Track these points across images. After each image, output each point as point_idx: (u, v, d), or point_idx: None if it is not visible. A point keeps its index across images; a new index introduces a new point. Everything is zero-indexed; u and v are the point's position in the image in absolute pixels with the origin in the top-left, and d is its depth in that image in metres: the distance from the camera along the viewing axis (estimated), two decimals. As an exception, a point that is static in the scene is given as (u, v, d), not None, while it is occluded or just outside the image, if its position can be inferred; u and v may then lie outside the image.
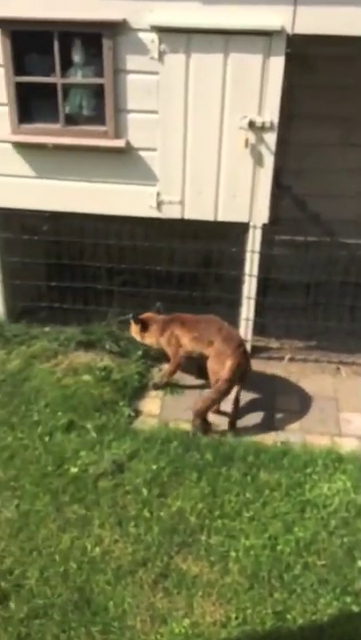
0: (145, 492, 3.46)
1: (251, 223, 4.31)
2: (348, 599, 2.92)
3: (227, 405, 4.04)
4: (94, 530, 3.23)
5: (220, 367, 3.92)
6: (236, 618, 2.84)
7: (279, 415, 4.19)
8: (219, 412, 4.08)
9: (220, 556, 3.11)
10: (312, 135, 4.95)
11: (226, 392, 3.92)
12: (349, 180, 5.24)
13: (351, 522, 3.32)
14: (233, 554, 3.13)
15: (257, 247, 4.38)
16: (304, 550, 3.15)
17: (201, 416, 3.91)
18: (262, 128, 3.98)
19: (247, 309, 4.60)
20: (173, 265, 4.62)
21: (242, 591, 2.95)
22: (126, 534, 3.21)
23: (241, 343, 4.06)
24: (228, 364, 3.87)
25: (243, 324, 4.65)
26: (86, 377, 4.34)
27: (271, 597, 2.93)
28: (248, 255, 4.42)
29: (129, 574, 3.01)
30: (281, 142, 4.61)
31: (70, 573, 3.02)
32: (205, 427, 3.94)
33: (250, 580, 3.00)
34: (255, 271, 4.46)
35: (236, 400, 4.02)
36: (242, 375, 3.96)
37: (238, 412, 4.06)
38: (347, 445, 3.92)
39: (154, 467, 3.63)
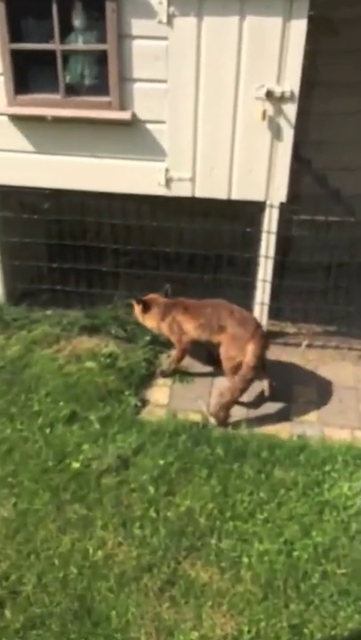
0: (151, 490, 3.24)
1: (267, 202, 4.02)
2: (371, 612, 2.70)
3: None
4: (97, 531, 3.02)
5: (239, 353, 3.69)
6: (249, 631, 2.62)
7: (295, 406, 3.93)
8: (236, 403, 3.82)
9: (232, 562, 2.89)
10: (334, 104, 4.61)
11: (252, 380, 3.70)
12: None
13: (374, 525, 3.08)
14: (245, 560, 2.90)
15: (274, 228, 4.09)
16: (323, 557, 2.92)
17: (229, 408, 3.69)
18: (281, 98, 3.66)
19: (262, 293, 4.33)
20: (183, 246, 4.35)
21: (255, 601, 2.73)
22: (131, 536, 3.00)
23: (259, 325, 3.83)
24: (251, 348, 3.64)
25: (257, 308, 4.38)
26: (90, 364, 4.11)
27: (287, 609, 2.71)
28: (264, 236, 4.14)
29: (133, 581, 2.80)
30: (301, 113, 4.31)
31: (70, 579, 2.81)
32: (227, 419, 3.71)
33: (264, 590, 2.77)
34: (271, 253, 4.17)
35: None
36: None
37: (253, 401, 3.85)
38: (368, 440, 3.67)
39: (161, 462, 3.41)
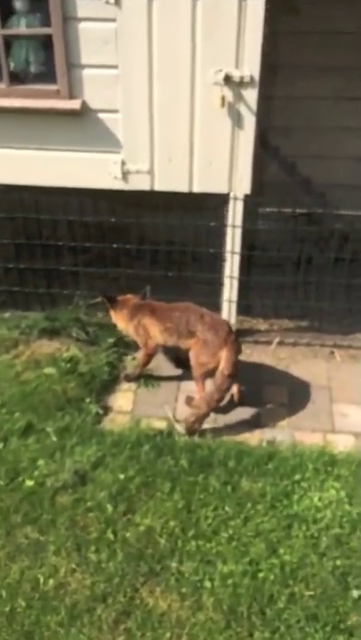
0: (109, 508, 3.04)
1: (231, 194, 3.79)
2: (341, 638, 2.52)
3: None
4: (49, 557, 2.81)
5: (211, 359, 3.49)
6: (210, 665, 2.45)
7: (266, 409, 3.74)
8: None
9: (193, 588, 2.70)
10: (301, 89, 4.38)
11: (228, 389, 3.52)
12: (344, 140, 4.67)
13: (345, 540, 2.90)
14: (208, 584, 2.71)
15: (238, 221, 3.87)
16: (290, 577, 2.74)
17: (203, 421, 3.49)
18: (241, 83, 3.42)
19: (230, 290, 4.11)
20: (145, 242, 4.11)
21: (216, 631, 2.54)
22: (85, 562, 2.79)
23: (231, 330, 3.60)
24: (224, 355, 3.44)
25: (225, 305, 4.17)
26: (49, 370, 3.89)
27: (251, 638, 2.52)
28: (229, 230, 3.91)
29: (86, 613, 2.60)
30: (265, 98, 4.08)
31: (18, 613, 2.60)
32: (198, 429, 3.52)
33: (226, 617, 2.59)
34: (238, 248, 3.95)
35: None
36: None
37: (221, 406, 3.63)
38: (341, 444, 3.48)
39: (121, 476, 3.21)
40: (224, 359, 3.43)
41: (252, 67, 3.37)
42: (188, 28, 3.30)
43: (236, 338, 3.59)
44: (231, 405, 3.71)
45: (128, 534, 2.92)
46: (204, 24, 3.27)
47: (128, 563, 2.78)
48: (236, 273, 4.04)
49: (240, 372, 3.67)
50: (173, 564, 2.78)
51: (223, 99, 3.44)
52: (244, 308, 4.26)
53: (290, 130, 4.60)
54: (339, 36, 4.24)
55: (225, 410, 3.68)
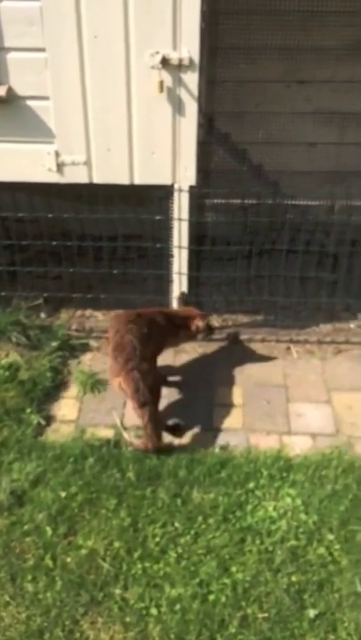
0: (49, 531, 2.81)
1: (175, 186, 3.55)
2: (296, 664, 2.36)
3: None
4: (-19, 590, 2.58)
5: (112, 381, 3.30)
6: None
7: (219, 411, 3.54)
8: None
9: (138, 616, 2.50)
10: (250, 72, 4.14)
11: (151, 417, 3.16)
12: (297, 125, 4.47)
13: (301, 553, 2.74)
14: (154, 611, 2.52)
15: (185, 214, 3.64)
16: (243, 598, 2.57)
17: (155, 429, 3.20)
18: (180, 66, 3.18)
19: (179, 287, 3.89)
20: (86, 238, 3.86)
21: (163, 664, 2.36)
22: (21, 594, 2.57)
23: (131, 357, 3.18)
24: (116, 383, 3.21)
25: (175, 302, 3.95)
26: (-14, 379, 3.63)
27: (200, 669, 2.35)
28: (176, 224, 3.68)
29: (21, 651, 2.39)
30: (212, 82, 3.84)
31: None
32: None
33: (174, 647, 2.40)
34: (185, 242, 3.73)
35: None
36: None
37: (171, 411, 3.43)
38: (297, 446, 3.32)
39: (63, 494, 2.98)
40: (116, 386, 3.23)
41: (190, 48, 3.13)
42: (120, 7, 3.03)
43: (138, 366, 3.17)
44: (182, 408, 3.51)
45: (68, 559, 2.70)
46: (136, 2, 3.01)
47: (68, 592, 2.57)
48: (185, 268, 3.83)
49: (185, 372, 3.47)
50: (117, 591, 2.58)
51: (162, 83, 3.19)
52: (195, 304, 4.05)
53: (240, 115, 4.37)
54: (285, 15, 4.01)
55: (173, 414, 3.48)
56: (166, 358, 3.71)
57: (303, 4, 3.81)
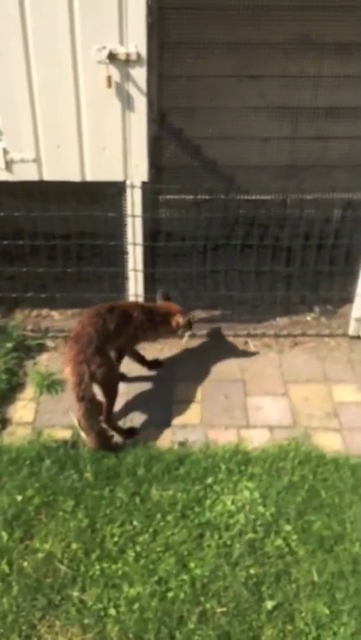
0: (4, 536, 2.76)
1: (127, 182, 3.52)
2: (254, 657, 2.37)
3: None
4: None
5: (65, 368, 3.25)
6: None
7: (177, 408, 3.54)
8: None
9: (97, 617, 2.48)
10: (202, 67, 4.13)
11: (85, 410, 3.09)
12: (250, 120, 4.49)
13: (259, 546, 2.75)
14: (112, 611, 2.50)
15: (138, 210, 3.61)
16: (201, 594, 2.57)
17: (92, 426, 3.17)
18: (127, 61, 3.15)
19: (135, 284, 3.87)
20: (39, 237, 3.80)
21: (122, 663, 2.34)
22: (-24, 601, 2.52)
23: (84, 349, 3.11)
24: (67, 371, 3.16)
25: (132, 300, 3.93)
26: None
27: (159, 667, 2.34)
28: (129, 220, 3.66)
29: (-25, 661, 2.34)
30: (164, 78, 3.83)
31: None
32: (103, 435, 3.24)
33: (132, 647, 2.39)
34: (139, 239, 3.70)
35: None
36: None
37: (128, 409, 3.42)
38: (255, 439, 3.34)
39: (19, 498, 2.94)
40: (67, 373, 3.19)
41: (138, 43, 3.10)
42: (65, 0, 2.98)
43: (89, 359, 3.09)
44: (142, 406, 3.50)
45: (25, 564, 2.66)
46: (81, -5, 2.97)
47: (24, 596, 2.53)
48: (140, 265, 3.80)
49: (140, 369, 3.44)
50: (75, 593, 2.55)
51: (109, 79, 3.16)
52: (151, 301, 4.03)
53: (193, 111, 4.37)
54: (234, 10, 4.02)
55: (131, 412, 3.47)
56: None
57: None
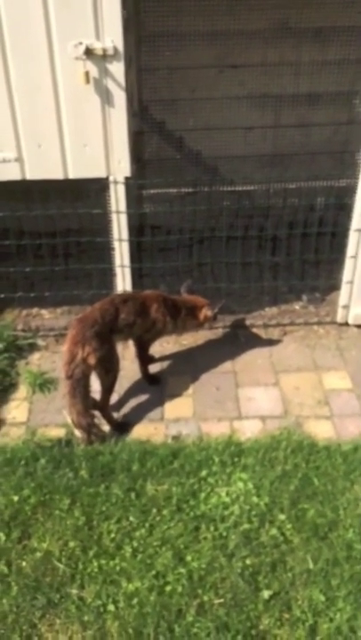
0: (2, 537, 2.78)
1: (111, 178, 3.51)
2: (253, 647, 2.41)
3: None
4: None
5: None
6: None
7: (170, 402, 3.56)
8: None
9: (96, 614, 2.50)
10: (183, 58, 4.11)
11: (71, 394, 3.16)
12: (233, 109, 4.47)
13: (254, 536, 2.78)
14: (111, 607, 2.53)
15: (122, 206, 3.60)
16: (199, 586, 2.60)
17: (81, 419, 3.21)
18: (104, 56, 3.12)
19: (123, 280, 3.86)
20: (24, 236, 3.79)
21: (122, 658, 2.37)
22: (-24, 603, 2.54)
23: (85, 331, 3.14)
24: (63, 349, 3.22)
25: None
26: None
27: (159, 660, 2.37)
28: (114, 216, 3.65)
29: (-22, 661, 2.37)
30: (144, 70, 3.81)
31: None
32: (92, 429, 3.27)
33: (132, 641, 2.42)
34: (125, 235, 3.70)
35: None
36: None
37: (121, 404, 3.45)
38: (248, 430, 3.36)
39: (15, 498, 2.95)
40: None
41: (114, 37, 3.07)
42: (39, -3, 2.96)
43: (85, 341, 3.12)
44: (135, 401, 3.52)
45: (24, 563, 2.68)
46: (55, -9, 2.95)
47: (24, 596, 2.55)
48: (127, 261, 3.79)
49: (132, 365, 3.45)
50: (74, 591, 2.58)
51: (87, 74, 3.13)
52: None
53: (175, 103, 4.35)
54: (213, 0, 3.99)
55: (124, 408, 3.49)
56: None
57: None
